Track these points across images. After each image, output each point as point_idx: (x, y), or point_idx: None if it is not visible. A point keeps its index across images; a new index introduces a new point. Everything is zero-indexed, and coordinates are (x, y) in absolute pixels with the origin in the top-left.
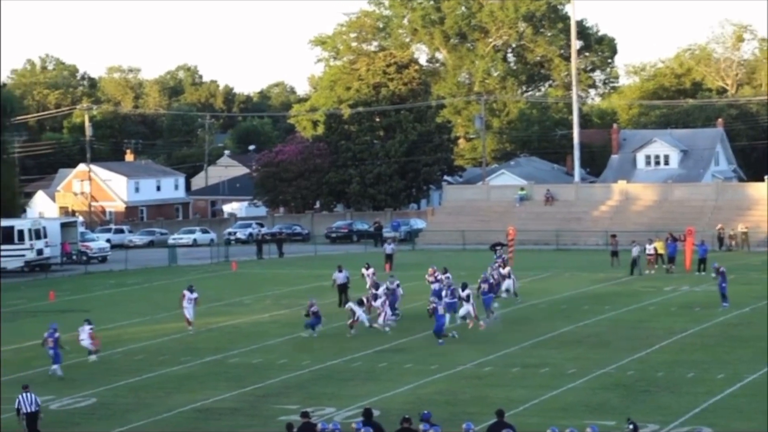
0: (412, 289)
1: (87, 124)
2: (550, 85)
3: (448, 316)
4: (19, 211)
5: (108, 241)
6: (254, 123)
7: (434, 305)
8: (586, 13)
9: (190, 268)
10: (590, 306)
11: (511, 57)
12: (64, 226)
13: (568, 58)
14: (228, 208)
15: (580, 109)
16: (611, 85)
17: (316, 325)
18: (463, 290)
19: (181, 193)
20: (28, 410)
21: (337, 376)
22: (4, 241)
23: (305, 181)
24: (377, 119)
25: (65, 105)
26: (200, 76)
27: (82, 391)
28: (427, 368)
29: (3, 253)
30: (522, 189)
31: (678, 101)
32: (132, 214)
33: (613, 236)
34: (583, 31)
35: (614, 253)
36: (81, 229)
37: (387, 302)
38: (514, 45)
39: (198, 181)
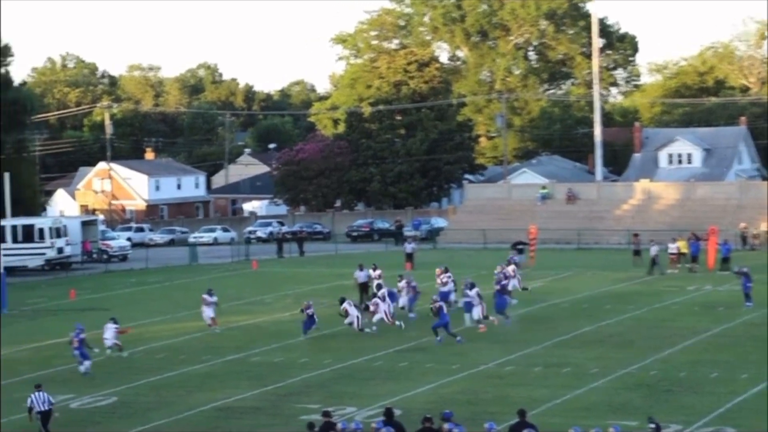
0: (434, 289)
1: (107, 122)
2: (572, 84)
3: (467, 316)
4: (39, 209)
5: (128, 239)
6: (275, 121)
7: (439, 304)
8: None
9: (210, 266)
10: (612, 305)
11: (532, 55)
12: (84, 224)
13: (589, 56)
14: (248, 206)
15: (602, 108)
16: (633, 83)
17: (310, 328)
18: (470, 290)
19: (201, 192)
20: (41, 409)
21: (359, 375)
22: (25, 239)
23: (326, 179)
24: (398, 117)
25: (86, 103)
26: (220, 74)
27: (103, 390)
28: (448, 367)
29: (24, 252)
30: (544, 188)
31: (701, 99)
32: (152, 213)
33: (636, 235)
34: (605, 29)
35: (636, 252)
36: (101, 227)
37: (384, 302)
38: (535, 43)
39: (218, 180)
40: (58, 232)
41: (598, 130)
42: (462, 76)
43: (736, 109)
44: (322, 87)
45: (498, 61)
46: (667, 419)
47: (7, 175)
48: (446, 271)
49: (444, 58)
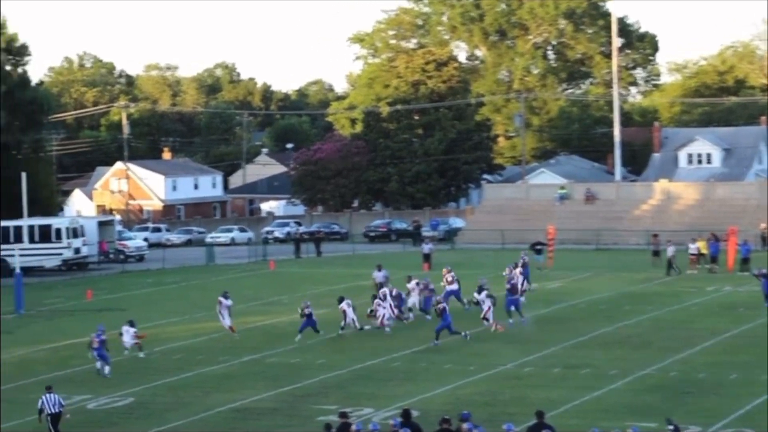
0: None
1: (124, 122)
2: (590, 83)
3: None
4: (56, 209)
5: (145, 239)
6: (292, 121)
7: (442, 305)
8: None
9: (227, 267)
10: (631, 306)
11: (551, 54)
12: (101, 224)
13: (608, 56)
14: (266, 206)
15: (621, 107)
16: (653, 82)
17: (306, 328)
18: (479, 293)
19: (218, 192)
20: (52, 411)
21: (376, 376)
22: (42, 239)
23: (343, 179)
24: (416, 117)
25: (103, 103)
26: (238, 74)
27: (120, 391)
28: (466, 369)
29: (41, 252)
30: (562, 188)
31: (720, 99)
32: (169, 213)
33: (655, 236)
34: (625, 28)
35: (656, 253)
36: (118, 227)
37: (386, 304)
38: (554, 42)
39: (236, 180)
40: (75, 233)
41: (617, 130)
42: (480, 75)
43: (756, 109)
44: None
45: (516, 61)
46: (687, 421)
47: (24, 175)
48: (449, 271)
49: (462, 57)
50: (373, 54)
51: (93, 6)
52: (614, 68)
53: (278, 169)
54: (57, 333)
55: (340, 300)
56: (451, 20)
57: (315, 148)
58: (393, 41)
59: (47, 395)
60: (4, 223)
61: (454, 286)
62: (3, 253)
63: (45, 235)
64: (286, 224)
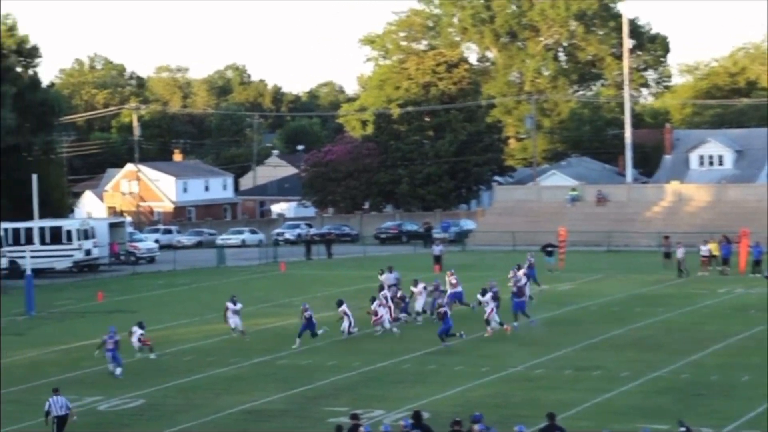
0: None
1: (135, 123)
2: (602, 85)
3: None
4: (67, 211)
5: (156, 241)
6: (303, 123)
7: (444, 309)
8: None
9: (238, 268)
10: (643, 308)
11: (562, 56)
12: (112, 226)
13: (619, 57)
14: (276, 208)
15: (632, 109)
16: (664, 84)
17: (305, 331)
18: (483, 295)
19: (229, 194)
20: (59, 413)
21: (387, 378)
22: (53, 241)
23: (354, 181)
24: (427, 119)
25: (113, 104)
26: (248, 76)
27: (131, 392)
28: (477, 370)
29: (52, 253)
30: (573, 189)
31: (732, 100)
32: (180, 215)
33: (666, 237)
34: (636, 30)
35: (667, 255)
36: (129, 229)
37: (384, 307)
38: (565, 44)
39: (246, 181)
40: (86, 234)
41: (628, 132)
42: (491, 77)
43: None
44: (351, 88)
45: (527, 62)
46: (698, 423)
47: (35, 177)
48: (453, 273)
49: (473, 59)
50: (384, 56)
51: (104, 8)
52: (625, 70)
53: (289, 170)
54: (68, 334)
55: (339, 303)
56: (462, 22)
57: (326, 150)
58: (404, 43)
59: (54, 397)
60: (15, 225)
61: (458, 289)
62: (14, 254)
63: (56, 236)
64: (297, 226)
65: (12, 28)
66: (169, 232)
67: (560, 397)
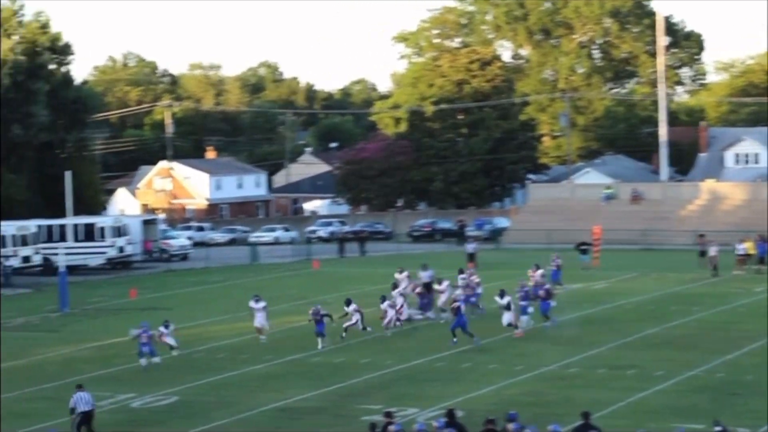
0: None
1: (168, 121)
2: (636, 82)
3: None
4: (100, 208)
5: (189, 238)
6: (336, 120)
7: (458, 304)
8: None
9: (271, 266)
10: (678, 307)
11: (596, 53)
12: (145, 223)
13: (654, 55)
14: (310, 206)
15: (667, 107)
16: (699, 81)
17: (323, 331)
18: (501, 297)
19: (262, 191)
20: (84, 409)
21: (421, 376)
22: (87, 238)
23: (388, 178)
24: (460, 116)
25: (146, 102)
26: (281, 73)
27: (164, 390)
28: (511, 369)
29: (85, 251)
30: (608, 187)
31: None
32: (213, 212)
33: (701, 236)
34: (671, 27)
35: (702, 254)
36: (162, 226)
37: (397, 305)
38: (599, 41)
39: (279, 179)
40: (119, 231)
41: (663, 130)
42: (525, 74)
43: None
44: (384, 86)
45: (561, 60)
46: (734, 423)
47: (68, 174)
48: (461, 272)
49: (506, 56)
50: (418, 53)
51: (136, 5)
52: (660, 67)
53: (322, 168)
54: (101, 332)
55: (348, 302)
56: (496, 19)
57: (359, 148)
58: (437, 40)
59: (78, 393)
60: (49, 222)
61: (478, 290)
62: (48, 251)
63: (89, 234)
64: (330, 224)
65: (45, 26)
66: (202, 229)
67: (595, 396)
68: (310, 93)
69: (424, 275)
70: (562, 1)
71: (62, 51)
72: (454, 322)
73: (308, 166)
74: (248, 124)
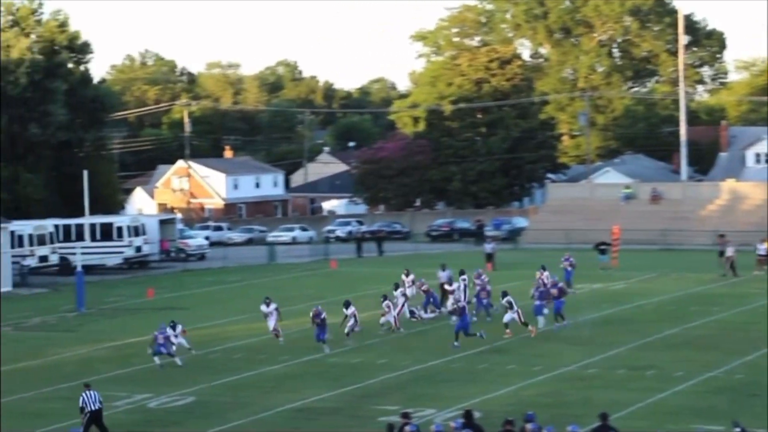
0: (515, 290)
1: (186, 120)
2: (656, 81)
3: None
4: (118, 207)
5: (206, 238)
6: (354, 119)
7: (462, 304)
8: (694, 7)
9: (289, 266)
10: (698, 307)
11: (616, 52)
12: (162, 222)
13: (675, 53)
14: (327, 205)
15: (687, 106)
16: (720, 80)
17: (324, 334)
18: (503, 298)
19: (280, 190)
20: (93, 408)
21: (438, 377)
22: (104, 237)
23: (406, 178)
24: (479, 115)
25: (164, 101)
26: (300, 72)
27: (181, 390)
28: (529, 369)
29: (102, 250)
30: (627, 187)
31: None
32: (231, 211)
33: (721, 236)
34: (691, 26)
35: (722, 254)
36: (180, 226)
37: (397, 306)
38: (619, 40)
39: (297, 178)
40: (137, 231)
41: (683, 129)
42: (544, 73)
43: None
44: (403, 85)
45: (581, 59)
46: (753, 424)
47: (85, 173)
48: (462, 273)
49: (526, 55)
50: (436, 52)
51: (155, 4)
52: (681, 66)
53: (340, 167)
54: (118, 331)
55: (347, 304)
56: (515, 18)
57: (377, 147)
58: (456, 39)
59: (87, 392)
60: (66, 221)
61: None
62: (65, 251)
63: (107, 233)
64: (348, 223)
65: (63, 25)
66: (219, 229)
67: (613, 397)
68: (329, 92)
69: (443, 275)
70: None
71: (80, 50)
72: (458, 324)
73: (326, 166)
74: (266, 123)
